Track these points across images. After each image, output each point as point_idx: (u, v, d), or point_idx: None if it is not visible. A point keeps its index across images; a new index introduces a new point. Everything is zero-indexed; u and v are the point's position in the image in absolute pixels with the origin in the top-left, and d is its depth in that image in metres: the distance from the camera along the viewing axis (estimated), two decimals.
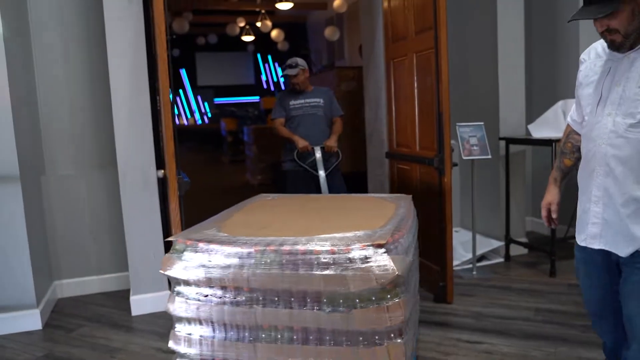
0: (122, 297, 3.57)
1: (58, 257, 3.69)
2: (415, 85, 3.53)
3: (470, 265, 3.89)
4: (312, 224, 2.00)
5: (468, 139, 3.79)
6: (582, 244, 1.76)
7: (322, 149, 3.86)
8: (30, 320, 3.13)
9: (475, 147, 3.77)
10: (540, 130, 3.94)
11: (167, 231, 3.26)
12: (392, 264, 1.51)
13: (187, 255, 1.68)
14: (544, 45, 4.57)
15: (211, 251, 1.64)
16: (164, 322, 3.19)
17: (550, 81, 4.53)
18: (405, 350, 1.58)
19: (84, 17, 3.61)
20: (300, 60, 3.98)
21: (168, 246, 3.21)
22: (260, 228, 1.91)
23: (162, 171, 3.25)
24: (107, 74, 3.25)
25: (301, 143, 3.81)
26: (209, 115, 16.78)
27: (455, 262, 3.79)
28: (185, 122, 16.26)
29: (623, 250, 1.64)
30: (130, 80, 3.26)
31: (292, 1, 7.99)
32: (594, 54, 1.76)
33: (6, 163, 3.03)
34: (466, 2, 4.37)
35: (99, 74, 3.55)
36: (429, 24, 3.21)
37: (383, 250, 1.53)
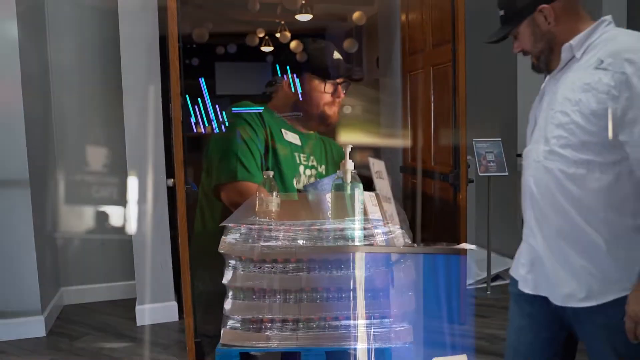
0: (128, 306, 3.53)
1: (66, 264, 3.67)
2: (432, 98, 3.46)
3: (485, 285, 3.78)
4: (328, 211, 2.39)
5: (485, 154, 3.71)
6: (516, 278, 1.60)
7: None
8: (35, 327, 3.10)
9: (492, 164, 3.69)
10: None
11: (174, 241, 3.22)
12: (406, 236, 1.91)
13: (242, 236, 2.00)
14: None
15: (263, 232, 1.98)
16: (169, 333, 3.14)
17: None
18: (414, 300, 2.00)
19: (99, 23, 3.62)
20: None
21: (176, 256, 3.18)
22: (287, 216, 2.24)
23: (172, 180, 3.22)
24: (120, 80, 3.24)
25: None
26: (227, 124, 16.94)
27: (468, 281, 3.69)
28: (202, 130, 16.45)
29: (555, 296, 1.45)
30: (143, 87, 3.25)
31: (311, 13, 8.02)
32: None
33: (17, 168, 3.02)
34: (485, 15, 4.30)
35: (112, 81, 3.54)
36: (447, 36, 3.15)
37: (399, 226, 1.91)
